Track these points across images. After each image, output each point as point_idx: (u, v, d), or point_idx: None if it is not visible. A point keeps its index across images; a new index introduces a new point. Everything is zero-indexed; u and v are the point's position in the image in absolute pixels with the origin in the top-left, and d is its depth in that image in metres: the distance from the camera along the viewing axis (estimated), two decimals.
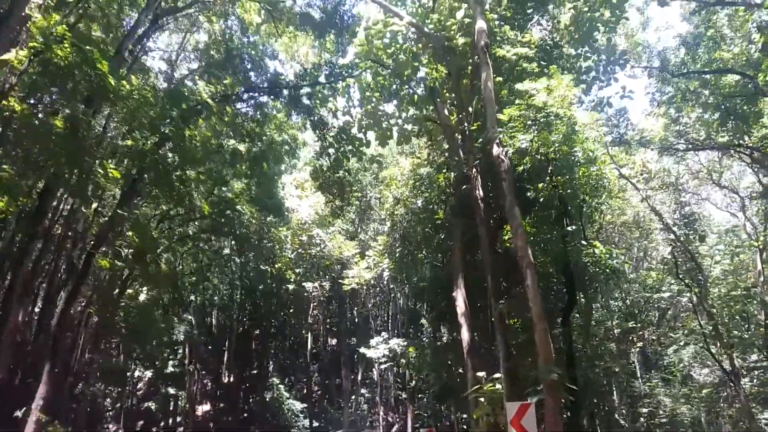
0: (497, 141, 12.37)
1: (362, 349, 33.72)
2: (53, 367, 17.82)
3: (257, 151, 28.05)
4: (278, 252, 40.92)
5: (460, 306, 16.48)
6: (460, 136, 16.64)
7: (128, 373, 46.90)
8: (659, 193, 33.32)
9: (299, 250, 38.61)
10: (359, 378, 42.56)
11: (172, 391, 44.68)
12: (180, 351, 45.35)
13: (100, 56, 13.73)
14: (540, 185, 14.12)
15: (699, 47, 23.19)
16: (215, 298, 47.01)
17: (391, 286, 38.53)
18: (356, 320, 45.57)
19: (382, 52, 19.68)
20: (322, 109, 23.78)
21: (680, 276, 26.82)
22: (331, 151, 23.57)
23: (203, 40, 29.48)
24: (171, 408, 46.37)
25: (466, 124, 16.45)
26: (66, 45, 12.93)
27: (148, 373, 45.87)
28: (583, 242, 14.69)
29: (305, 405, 41.66)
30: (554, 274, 15.84)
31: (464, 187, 16.15)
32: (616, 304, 33.64)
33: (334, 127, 23.81)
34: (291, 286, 42.72)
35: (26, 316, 20.82)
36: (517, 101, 13.10)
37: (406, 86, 22.96)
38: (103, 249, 20.44)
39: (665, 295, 33.14)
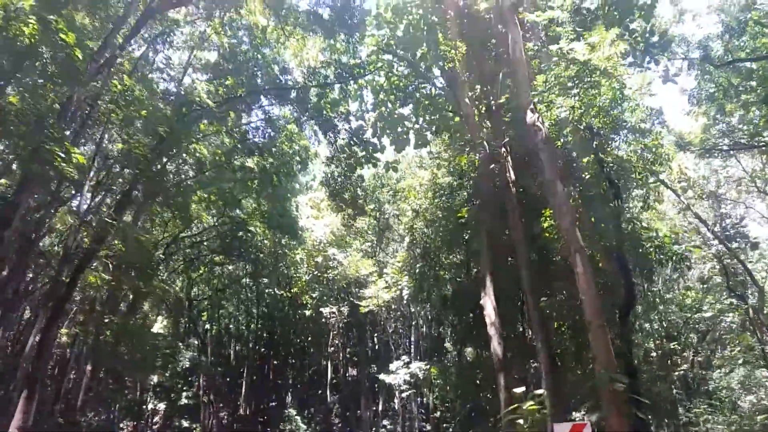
0: (531, 107, 10.19)
1: (381, 376, 31.06)
2: (31, 394, 15.68)
3: (267, 165, 26.24)
4: (294, 275, 38.76)
5: (490, 315, 14.03)
6: (485, 113, 14.37)
7: (144, 406, 44.81)
8: (699, 202, 30.51)
9: (315, 273, 36.35)
10: (380, 408, 39.58)
11: (186, 424, 42.19)
12: (195, 382, 43.15)
13: (77, 42, 12.06)
14: (585, 160, 11.82)
15: (743, 34, 20.84)
16: (231, 326, 44.81)
17: (412, 309, 35.97)
18: (376, 347, 42.83)
19: (395, 27, 17.55)
20: (333, 114, 21.95)
21: (731, 288, 23.85)
22: (342, 156, 21.57)
23: (212, 58, 28.14)
24: None
25: (491, 99, 14.24)
26: (32, 22, 11.22)
27: (162, 406, 43.55)
28: (641, 224, 12.18)
29: None
30: (604, 263, 13.25)
31: (491, 166, 13.81)
32: (653, 326, 30.73)
33: (347, 131, 21.86)
34: (308, 312, 40.39)
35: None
36: (553, 65, 10.91)
37: (422, 85, 21.05)
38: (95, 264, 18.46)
39: (707, 315, 30.13)
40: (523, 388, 10.17)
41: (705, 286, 33.25)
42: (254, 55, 23.08)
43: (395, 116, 22.12)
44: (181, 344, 38.69)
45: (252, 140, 26.59)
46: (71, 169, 10.58)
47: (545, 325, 11.25)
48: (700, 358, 32.64)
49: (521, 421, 9.99)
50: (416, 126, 22.40)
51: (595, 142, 11.65)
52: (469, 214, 17.26)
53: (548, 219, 12.10)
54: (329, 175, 21.65)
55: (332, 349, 47.28)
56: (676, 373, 32.39)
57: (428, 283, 27.01)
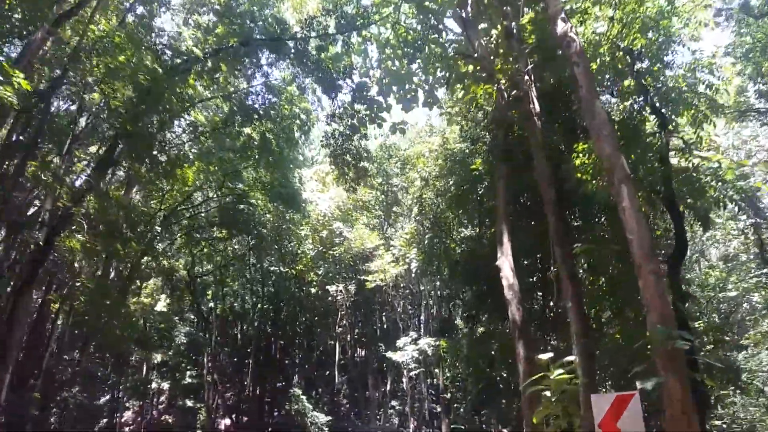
0: (562, 16, 8.32)
1: (389, 354, 29.49)
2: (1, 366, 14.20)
3: (266, 131, 24.49)
4: (299, 252, 37.12)
5: (507, 276, 12.23)
6: (504, 38, 12.37)
7: (148, 386, 43.63)
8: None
9: (320, 248, 34.68)
10: (388, 389, 38.10)
11: (190, 403, 40.96)
12: (200, 360, 41.83)
13: None
14: (625, 83, 9.94)
15: None
16: (236, 305, 43.37)
17: (421, 287, 34.23)
18: (385, 326, 41.26)
19: None
20: (335, 69, 20.05)
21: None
22: (345, 115, 19.69)
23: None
24: (192, 422, 42.49)
25: (513, 24, 12.27)
26: None
27: (166, 385, 42.34)
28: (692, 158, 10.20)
29: (330, 418, 37.33)
30: (647, 207, 11.28)
31: (513, 93, 11.83)
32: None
33: (349, 86, 19.95)
34: (313, 290, 38.83)
35: None
36: None
37: (433, 36, 19.07)
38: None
39: (731, 294, 28.24)
40: (550, 354, 8.37)
41: (729, 265, 31.39)
42: (251, 8, 21.26)
43: (402, 72, 20.22)
44: (179, 321, 37.30)
45: (251, 106, 24.83)
46: (9, 93, 8.88)
47: (576, 280, 9.45)
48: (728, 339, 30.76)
49: (548, 393, 8.23)
50: (425, 85, 20.52)
51: (637, 67, 9.73)
52: (483, 165, 15.40)
53: (580, 155, 10.24)
54: (330, 135, 19.78)
55: (340, 329, 45.80)
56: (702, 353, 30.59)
57: (438, 255, 25.26)
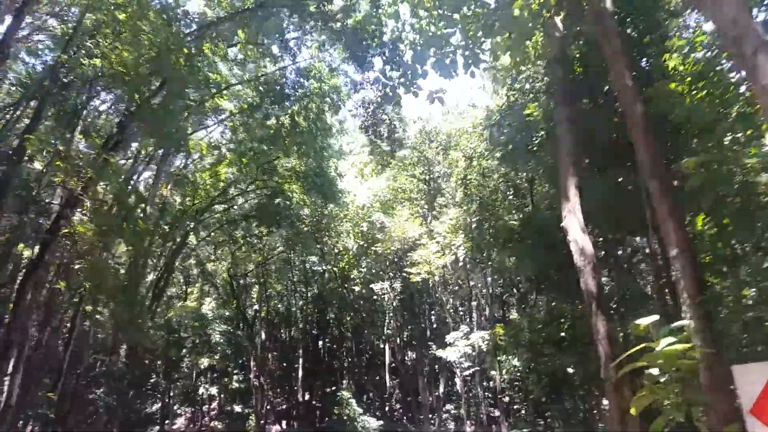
0: None
1: (438, 352, 26.91)
2: (8, 361, 12.62)
3: (296, 112, 22.62)
4: (340, 249, 35.12)
5: (576, 238, 9.61)
6: None
7: (198, 391, 42.55)
8: None
9: (361, 243, 32.51)
10: (441, 391, 35.45)
11: (238, 409, 39.51)
12: (247, 364, 40.34)
13: None
14: None
15: None
16: (279, 306, 41.77)
17: (471, 282, 31.48)
18: (434, 325, 38.70)
19: None
20: (363, 34, 17.94)
21: None
22: (377, 83, 17.54)
23: None
24: (241, 428, 40.99)
25: None
26: None
27: (214, 390, 41.07)
28: None
29: (381, 422, 34.99)
30: None
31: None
32: None
33: (380, 54, 17.76)
34: (357, 288, 36.69)
35: None
36: None
37: None
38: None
39: None
40: (654, 318, 5.84)
41: None
42: None
43: (439, 34, 17.89)
44: (223, 323, 35.86)
45: (279, 89, 23.06)
46: None
47: (681, 221, 6.83)
48: None
49: (654, 371, 5.70)
50: (465, 46, 18.12)
51: None
52: (539, 112, 12.86)
53: (673, 58, 7.71)
54: (360, 104, 17.66)
55: (389, 331, 43.55)
56: None
57: (486, 243, 22.69)
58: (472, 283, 32.28)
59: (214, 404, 46.13)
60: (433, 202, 29.99)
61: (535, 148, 13.77)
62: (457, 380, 28.84)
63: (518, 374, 25.35)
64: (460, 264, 23.97)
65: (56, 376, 18.42)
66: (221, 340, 42.31)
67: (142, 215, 15.72)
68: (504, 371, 26.90)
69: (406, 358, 48.13)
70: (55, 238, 13.58)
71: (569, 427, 22.55)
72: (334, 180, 27.34)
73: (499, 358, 24.83)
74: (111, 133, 15.29)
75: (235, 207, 28.43)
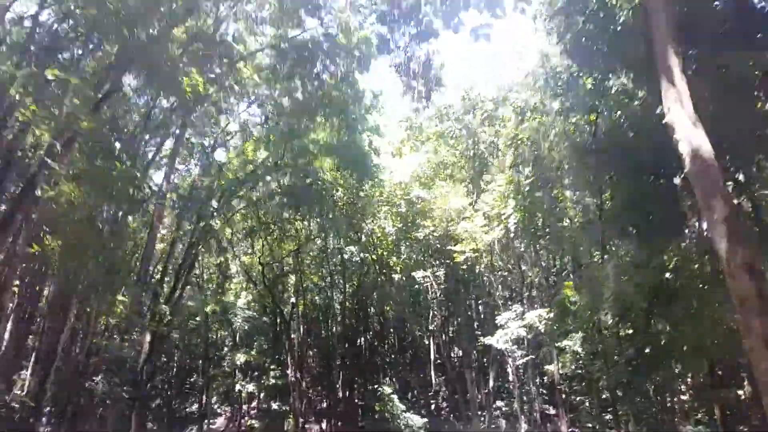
0: None
1: (487, 339, 23.94)
2: None
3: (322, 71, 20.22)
4: (378, 234, 32.51)
5: (688, 136, 6.75)
6: None
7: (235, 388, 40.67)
8: None
9: (400, 227, 29.81)
10: (491, 385, 32.27)
11: (275, 406, 37.30)
12: (285, 360, 38.15)
13: None
14: None
15: None
16: (317, 299, 39.45)
17: (523, 266, 28.25)
18: (482, 315, 35.61)
19: None
20: None
21: None
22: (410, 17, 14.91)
23: None
24: (279, 427, 38.78)
25: None
26: None
27: (251, 387, 39.02)
28: None
29: (426, 420, 32.18)
30: None
31: None
32: None
33: None
34: (397, 276, 33.98)
35: None
36: None
37: None
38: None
39: None
40: None
41: None
42: None
43: None
44: (256, 313, 33.80)
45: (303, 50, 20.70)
46: None
47: None
48: None
49: None
50: None
51: None
52: None
53: None
54: (389, 39, 15.04)
55: (433, 326, 40.70)
56: None
57: (542, 209, 19.75)
58: (523, 263, 29.10)
59: (254, 403, 44.24)
60: (479, 179, 27.05)
61: (614, 35, 10.66)
62: (509, 371, 25.61)
63: (581, 362, 22.17)
64: (511, 235, 20.92)
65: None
66: (257, 334, 40.61)
67: (129, 164, 13.43)
68: (563, 359, 23.79)
69: (453, 353, 45.15)
70: (31, 194, 11.48)
71: (642, 425, 19.36)
72: (368, 154, 24.79)
73: (558, 343, 21.75)
74: (100, 78, 13.19)
75: (264, 189, 26.21)
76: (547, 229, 19.78)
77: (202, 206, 23.40)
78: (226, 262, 40.37)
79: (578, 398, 24.84)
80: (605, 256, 13.11)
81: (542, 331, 18.51)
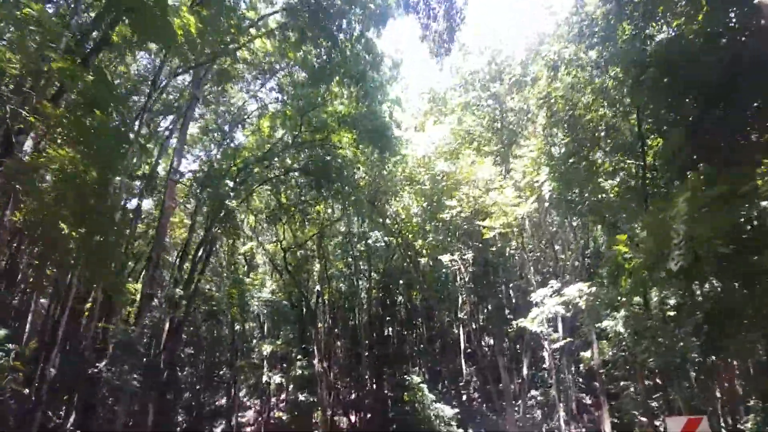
0: None
1: (521, 322, 22.04)
2: None
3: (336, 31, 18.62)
4: (401, 215, 30.79)
5: None
6: None
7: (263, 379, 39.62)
8: None
9: (425, 206, 28.04)
10: (525, 373, 30.27)
11: (302, 398, 35.96)
12: (311, 349, 36.81)
13: None
14: None
15: None
16: (342, 286, 37.98)
17: (554, 224, 25.91)
18: (513, 299, 33.59)
19: None
20: None
21: None
22: None
23: None
24: (307, 419, 37.48)
25: None
26: None
27: (277, 378, 37.85)
28: None
29: (457, 410, 30.46)
30: None
31: None
32: None
33: None
34: (423, 260, 32.24)
35: None
36: None
37: None
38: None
39: None
40: None
41: None
42: None
43: None
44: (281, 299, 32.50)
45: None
46: None
47: None
48: None
49: None
50: None
51: None
52: None
53: None
54: None
55: (462, 313, 38.84)
56: None
57: (579, 176, 17.78)
58: (557, 240, 26.99)
59: (283, 395, 43.19)
60: (508, 152, 25.09)
61: None
62: (546, 356, 23.58)
63: (624, 344, 20.14)
64: (546, 204, 18.94)
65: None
66: (283, 323, 39.46)
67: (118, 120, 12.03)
68: (602, 346, 21.81)
69: (483, 342, 43.20)
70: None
71: (693, 412, 17.27)
72: (388, 125, 23.13)
73: (598, 324, 19.77)
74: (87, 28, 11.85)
75: (282, 168, 24.83)
76: (585, 198, 17.76)
77: (218, 185, 22.09)
78: (251, 251, 39.35)
79: (621, 384, 22.75)
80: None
81: (582, 307, 16.56)
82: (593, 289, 15.90)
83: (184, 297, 21.02)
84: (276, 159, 23.97)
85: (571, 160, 17.56)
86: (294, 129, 23.71)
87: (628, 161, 17.28)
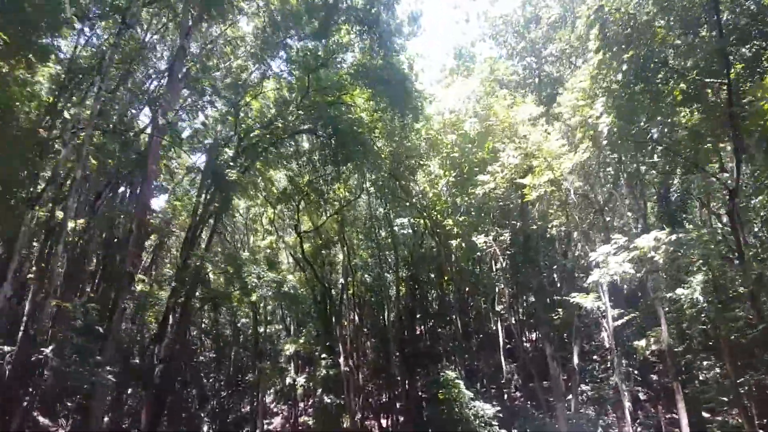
0: None
1: (574, 297, 18.19)
2: None
3: None
4: (429, 192, 27.28)
5: None
6: None
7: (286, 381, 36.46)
8: None
9: (454, 177, 24.49)
10: (576, 363, 26.16)
11: (328, 400, 32.55)
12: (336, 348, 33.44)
13: None
14: None
15: None
16: (366, 277, 34.51)
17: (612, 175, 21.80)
18: (558, 283, 29.60)
19: None
20: None
21: None
22: None
23: None
24: (335, 424, 34.02)
25: None
26: None
27: (301, 380, 34.53)
28: None
29: (498, 408, 26.65)
30: None
31: None
32: None
33: None
34: (455, 242, 28.53)
35: None
36: None
37: None
38: None
39: None
40: None
41: None
42: None
43: None
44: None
45: None
46: None
47: None
48: None
49: None
50: None
51: None
52: None
53: None
54: None
55: (500, 307, 35.01)
56: None
57: (645, 105, 14.15)
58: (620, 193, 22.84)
59: (311, 400, 39.95)
60: (549, 104, 21.16)
61: None
62: (604, 336, 19.47)
63: (703, 315, 16.21)
64: (604, 142, 15.09)
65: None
66: (307, 320, 36.47)
67: None
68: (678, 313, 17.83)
69: (525, 336, 39.21)
70: None
71: None
72: (408, 76, 19.78)
73: (669, 293, 15.94)
74: None
75: (285, 130, 21.57)
76: (654, 131, 14.07)
77: (217, 153, 19.03)
78: (271, 245, 36.43)
79: (705, 362, 18.68)
80: None
81: (660, 262, 12.73)
82: (674, 237, 12.12)
83: (178, 280, 17.92)
84: (281, 124, 20.72)
85: (637, 87, 13.92)
86: (301, 90, 20.57)
87: (708, 82, 13.57)
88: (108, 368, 13.11)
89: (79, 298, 15.43)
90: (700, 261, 14.75)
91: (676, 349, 18.40)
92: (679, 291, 15.66)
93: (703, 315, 15.79)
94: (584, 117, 15.10)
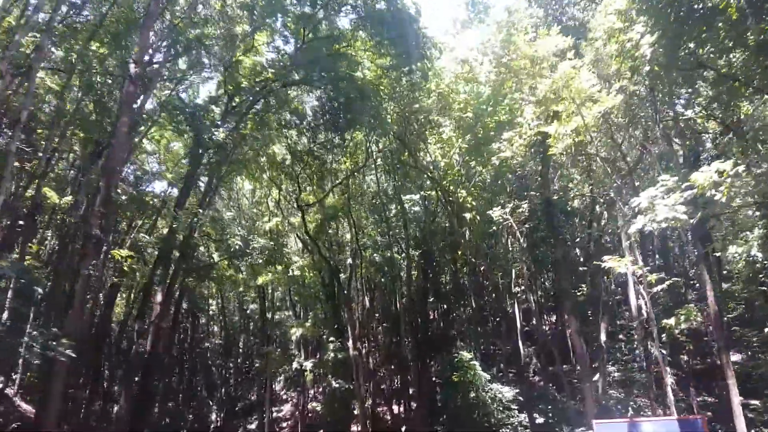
0: None
1: (606, 261, 15.73)
2: None
3: None
4: (440, 160, 24.90)
5: None
6: None
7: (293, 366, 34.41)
8: None
9: (467, 142, 22.05)
10: (602, 340, 23.71)
11: (336, 384, 30.44)
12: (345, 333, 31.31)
13: None
14: None
15: None
16: (375, 256, 32.21)
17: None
18: (579, 257, 27.11)
19: None
20: None
21: None
22: None
23: None
24: (345, 410, 31.97)
25: None
26: None
27: (309, 364, 32.40)
28: None
29: (517, 390, 24.36)
30: None
31: None
32: None
33: None
34: (468, 215, 26.14)
35: None
36: None
37: None
38: None
39: None
40: None
41: None
42: None
43: None
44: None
45: None
46: None
47: None
48: None
49: None
50: None
51: None
52: None
53: None
54: None
55: (517, 288, 32.61)
56: None
57: (693, 24, 11.68)
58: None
59: (321, 388, 38.04)
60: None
61: None
62: (642, 305, 16.97)
63: (761, 275, 13.74)
64: (646, 68, 12.54)
65: None
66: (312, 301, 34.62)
67: None
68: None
69: (544, 317, 36.89)
70: None
71: None
72: (414, 18, 17.36)
73: (719, 252, 13.47)
74: None
75: (278, 81, 19.21)
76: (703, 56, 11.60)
77: (201, 112, 16.80)
78: (276, 227, 34.37)
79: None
80: None
81: (721, 200, 10.22)
82: (740, 168, 9.68)
83: (162, 249, 15.80)
84: (272, 74, 18.40)
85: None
86: (297, 41, 18.29)
87: None
88: (66, 341, 11.00)
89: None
90: (758, 213, 12.27)
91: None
92: (731, 250, 13.17)
93: (761, 274, 13.31)
94: (621, 44, 12.63)
